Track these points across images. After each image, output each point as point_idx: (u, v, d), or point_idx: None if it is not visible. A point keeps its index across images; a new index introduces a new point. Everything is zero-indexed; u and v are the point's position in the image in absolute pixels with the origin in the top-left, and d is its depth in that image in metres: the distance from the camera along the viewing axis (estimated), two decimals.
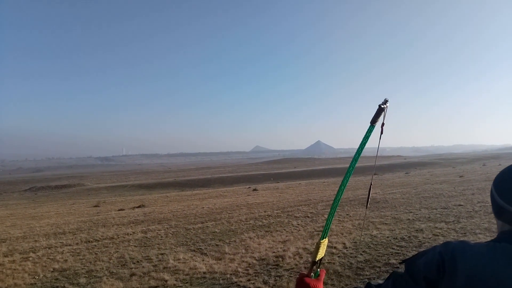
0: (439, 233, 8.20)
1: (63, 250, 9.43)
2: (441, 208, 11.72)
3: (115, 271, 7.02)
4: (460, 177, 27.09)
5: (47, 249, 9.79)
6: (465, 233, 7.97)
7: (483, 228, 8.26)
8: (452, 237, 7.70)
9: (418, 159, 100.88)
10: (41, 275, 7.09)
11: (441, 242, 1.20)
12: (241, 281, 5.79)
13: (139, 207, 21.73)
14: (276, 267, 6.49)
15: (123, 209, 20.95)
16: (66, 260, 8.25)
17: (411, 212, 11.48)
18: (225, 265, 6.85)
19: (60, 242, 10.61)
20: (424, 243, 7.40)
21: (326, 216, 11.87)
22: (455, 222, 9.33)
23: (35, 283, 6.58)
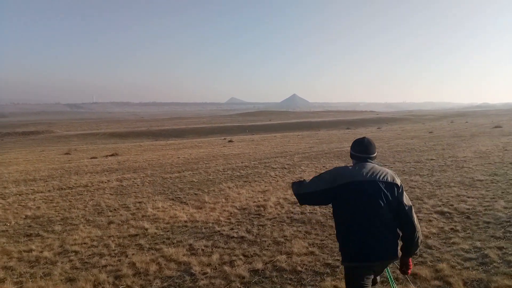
0: (415, 185, 8.41)
1: (35, 197, 9.12)
2: (414, 162, 12.04)
3: (91, 219, 6.84)
4: (429, 133, 27.95)
5: (18, 195, 9.45)
6: (440, 186, 8.20)
7: (456, 182, 8.52)
8: (428, 189, 7.91)
9: (390, 115, 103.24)
10: (13, 222, 6.83)
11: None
12: (224, 230, 5.75)
13: (112, 155, 21.30)
14: (258, 216, 6.48)
15: (96, 157, 20.48)
16: (38, 207, 7.98)
17: (386, 165, 11.73)
18: (206, 214, 6.79)
19: (31, 189, 10.26)
20: None
21: (303, 167, 11.99)
22: (429, 175, 9.60)
23: (7, 230, 6.32)
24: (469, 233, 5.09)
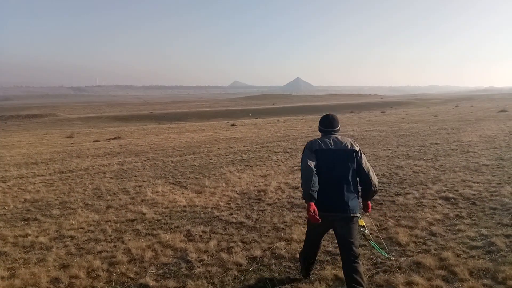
0: (419, 170, 8.25)
1: (35, 181, 9.06)
2: (418, 146, 11.85)
3: (90, 203, 6.76)
4: (434, 116, 27.65)
5: (18, 179, 9.39)
6: (444, 170, 8.03)
7: (461, 166, 8.34)
8: (432, 174, 7.74)
9: (394, 99, 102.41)
10: (11, 206, 6.77)
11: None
12: (223, 215, 5.63)
13: (114, 138, 21.22)
14: (258, 201, 6.36)
15: (98, 141, 20.42)
16: (38, 191, 7.91)
17: (389, 149, 11.56)
18: (205, 198, 6.68)
19: (32, 172, 10.20)
20: (405, 179, 7.41)
21: None
22: (433, 160, 9.43)
23: (5, 214, 6.25)
24: (474, 219, 4.94)
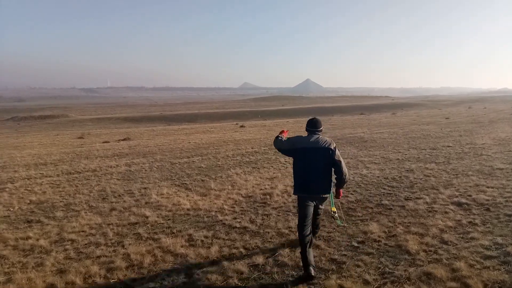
0: (430, 173, 8.01)
1: (42, 182, 9.06)
2: (430, 149, 11.58)
3: (94, 205, 6.70)
4: (446, 119, 27.16)
5: (26, 180, 9.40)
6: (457, 174, 7.78)
7: (475, 170, 8.09)
8: (444, 178, 7.51)
9: (405, 100, 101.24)
10: (17, 207, 6.74)
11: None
12: (226, 220, 5.49)
13: (124, 140, 21.28)
14: (263, 205, 6.22)
15: (108, 142, 20.50)
16: (44, 192, 7.89)
17: (400, 152, 11.32)
18: (210, 201, 6.56)
19: (40, 173, 10.22)
20: (416, 183, 7.19)
21: None
22: (445, 163, 9.17)
23: (9, 216, 6.22)
24: (489, 227, 4.72)
